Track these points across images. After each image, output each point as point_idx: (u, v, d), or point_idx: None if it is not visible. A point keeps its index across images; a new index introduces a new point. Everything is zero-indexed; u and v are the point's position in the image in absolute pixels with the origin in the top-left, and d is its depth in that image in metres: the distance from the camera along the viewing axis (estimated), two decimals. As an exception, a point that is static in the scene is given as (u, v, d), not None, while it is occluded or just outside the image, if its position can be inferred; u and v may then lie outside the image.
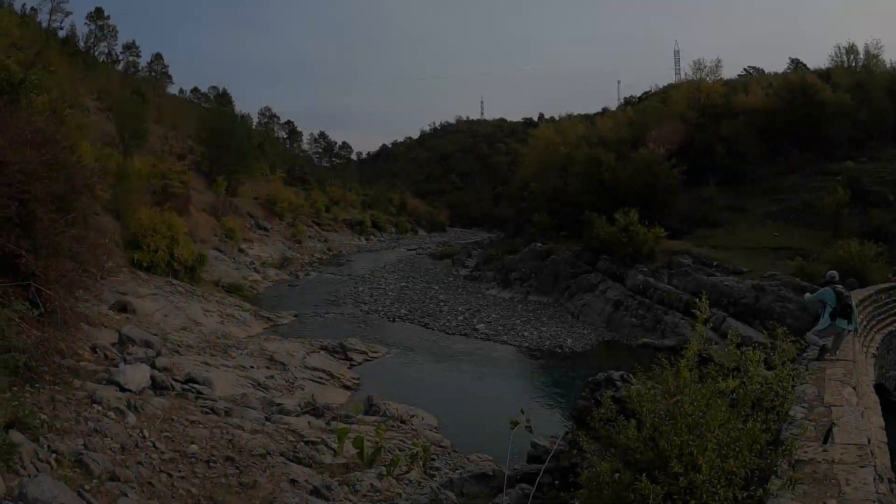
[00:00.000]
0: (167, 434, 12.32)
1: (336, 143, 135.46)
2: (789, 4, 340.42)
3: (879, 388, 26.47)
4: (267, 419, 16.12)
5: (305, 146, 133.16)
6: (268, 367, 25.51)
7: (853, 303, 14.83)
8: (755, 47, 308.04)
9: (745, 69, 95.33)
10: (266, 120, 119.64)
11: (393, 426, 19.55)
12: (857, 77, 69.05)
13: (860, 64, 74.00)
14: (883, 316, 30.83)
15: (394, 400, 23.09)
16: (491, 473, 13.75)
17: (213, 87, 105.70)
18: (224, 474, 11.30)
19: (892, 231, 44.70)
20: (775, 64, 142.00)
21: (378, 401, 21.90)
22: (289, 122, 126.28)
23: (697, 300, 10.11)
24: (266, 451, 12.93)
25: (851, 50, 75.01)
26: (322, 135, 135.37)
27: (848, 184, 49.54)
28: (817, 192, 51.57)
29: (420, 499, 12.38)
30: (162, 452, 11.35)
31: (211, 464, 11.55)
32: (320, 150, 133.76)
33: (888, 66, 73.56)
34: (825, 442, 8.36)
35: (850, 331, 15.17)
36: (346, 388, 26.28)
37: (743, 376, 8.83)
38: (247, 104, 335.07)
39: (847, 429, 9.06)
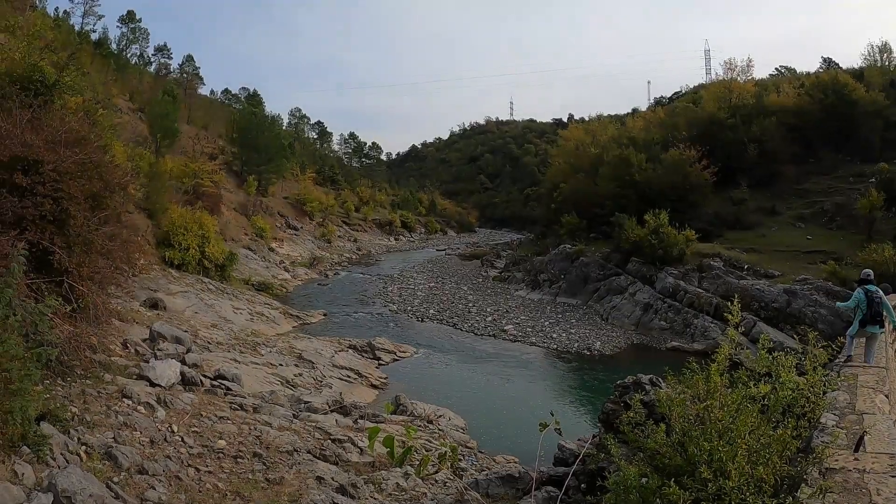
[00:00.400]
0: (195, 429, 12.41)
1: (366, 143, 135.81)
2: (821, 3, 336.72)
3: None
4: (294, 416, 16.15)
5: (335, 146, 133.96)
6: (296, 365, 25.63)
7: (886, 301, 14.24)
8: (787, 47, 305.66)
9: (776, 69, 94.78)
10: (296, 120, 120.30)
11: (420, 426, 19.49)
12: (891, 76, 68.21)
13: (894, 63, 73.13)
14: None
15: (421, 400, 23.08)
16: (517, 475, 13.70)
17: (244, 88, 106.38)
18: (251, 470, 11.34)
19: None
20: (807, 63, 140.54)
21: (405, 400, 21.86)
22: (319, 123, 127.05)
23: (728, 304, 9.98)
24: (293, 448, 12.95)
25: (885, 48, 74.14)
26: (352, 135, 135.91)
27: (882, 185, 48.14)
28: (850, 194, 50.85)
29: (445, 499, 12.35)
30: (190, 447, 11.42)
31: (238, 459, 11.60)
32: (350, 151, 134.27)
33: None
34: (856, 450, 8.12)
35: (882, 333, 14.61)
36: (374, 387, 26.35)
37: (774, 382, 8.68)
38: (277, 105, 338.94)
39: (879, 437, 8.85)
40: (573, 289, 48.18)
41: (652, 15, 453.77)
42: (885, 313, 14.06)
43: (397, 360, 31.21)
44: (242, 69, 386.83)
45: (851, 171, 56.38)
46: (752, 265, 42.08)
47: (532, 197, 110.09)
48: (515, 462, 17.17)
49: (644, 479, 7.69)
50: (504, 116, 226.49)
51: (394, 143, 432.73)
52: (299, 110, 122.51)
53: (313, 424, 15.59)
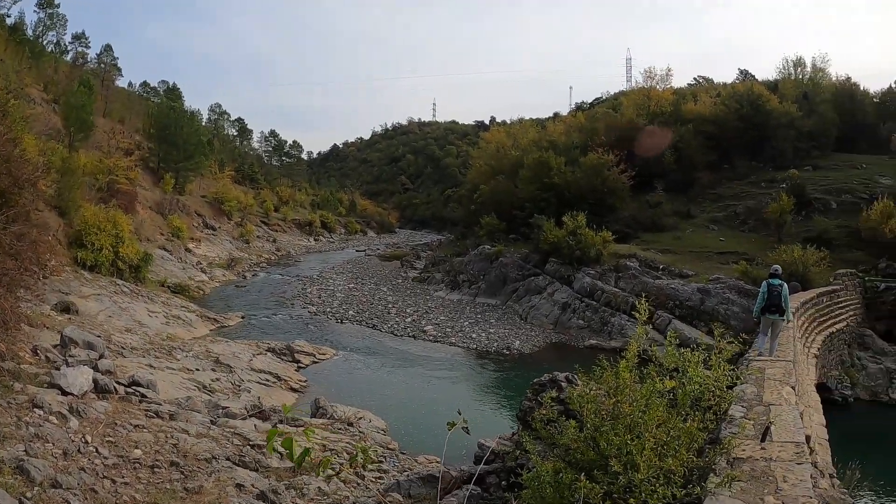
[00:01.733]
0: (110, 439, 12.07)
1: (286, 141, 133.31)
2: (741, 18, 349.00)
3: (821, 388, 27.40)
4: (212, 423, 15.86)
5: (255, 144, 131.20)
6: (213, 370, 25.14)
7: (787, 295, 15.93)
8: (706, 58, 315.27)
9: (694, 78, 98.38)
10: (216, 116, 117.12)
11: (340, 429, 19.37)
12: (803, 88, 72.60)
13: (807, 76, 77.58)
14: (824, 318, 32.07)
15: (342, 402, 22.95)
16: (438, 475, 13.74)
17: (163, 82, 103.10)
18: (169, 479, 11.11)
19: (833, 237, 46.35)
20: (725, 75, 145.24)
21: (325, 403, 21.63)
22: (239, 120, 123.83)
23: (646, 303, 10.26)
24: (211, 456, 12.73)
25: (799, 63, 79.23)
26: (273, 133, 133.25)
27: (792, 191, 51.57)
28: (762, 199, 53.58)
29: (367, 502, 12.35)
30: (105, 458, 11.11)
31: (155, 469, 11.34)
32: (270, 149, 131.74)
33: (834, 78, 77.36)
34: (763, 440, 8.54)
35: (783, 321, 16.12)
36: (294, 390, 26.04)
37: (681, 377, 8.96)
38: (197, 100, 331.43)
39: (785, 427, 9.29)
40: (492, 289, 48.67)
41: (576, 22, 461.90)
42: (784, 305, 15.72)
43: (317, 362, 30.94)
44: (162, 61, 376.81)
45: (764, 178, 59.57)
46: (668, 265, 43.43)
47: (452, 198, 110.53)
48: (437, 462, 17.24)
49: (560, 475, 7.76)
50: (427, 118, 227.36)
51: (315, 143, 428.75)
52: (219, 106, 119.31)
53: (232, 430, 15.37)
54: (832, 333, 31.44)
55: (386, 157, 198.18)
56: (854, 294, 39.16)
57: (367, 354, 33.65)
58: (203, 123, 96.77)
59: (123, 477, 10.68)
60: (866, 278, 41.21)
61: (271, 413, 19.00)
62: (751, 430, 8.91)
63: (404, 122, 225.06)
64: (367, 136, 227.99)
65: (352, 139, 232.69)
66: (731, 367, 10.31)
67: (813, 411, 17.72)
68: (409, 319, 42.00)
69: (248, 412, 18.59)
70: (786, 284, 16.12)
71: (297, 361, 30.03)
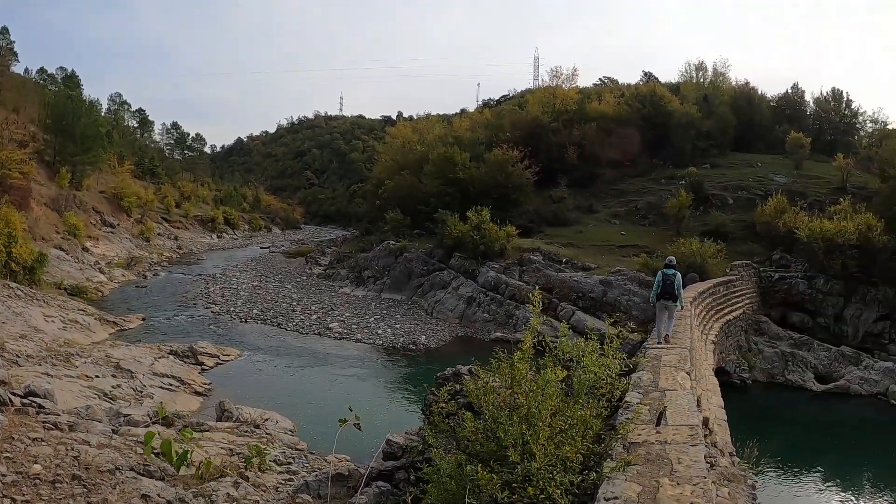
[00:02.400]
0: (7, 454, 11.63)
1: (189, 134, 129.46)
2: (647, 22, 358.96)
3: (721, 372, 28.87)
4: (114, 432, 15.44)
5: (157, 137, 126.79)
6: (114, 376, 24.27)
7: (679, 284, 16.87)
8: (612, 61, 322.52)
9: (600, 79, 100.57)
10: (116, 107, 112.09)
11: (247, 431, 19.11)
12: (703, 91, 75.86)
13: (708, 80, 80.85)
14: (721, 307, 33.46)
15: (247, 404, 22.53)
16: (347, 473, 13.78)
17: (62, 69, 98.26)
18: (71, 494, 10.79)
19: (730, 230, 48.98)
20: (630, 77, 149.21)
21: (230, 406, 21.19)
22: (140, 110, 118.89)
23: (539, 294, 10.51)
24: (115, 467, 12.38)
25: (700, 67, 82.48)
26: (175, 125, 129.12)
27: (691, 187, 54.18)
28: (662, 195, 55.90)
29: (277, 504, 12.31)
30: (3, 475, 10.73)
31: (56, 484, 10.99)
32: (172, 142, 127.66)
33: (733, 82, 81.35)
34: (658, 424, 8.76)
35: (676, 307, 17.08)
36: (198, 394, 25.44)
37: (576, 366, 9.20)
38: (96, 88, 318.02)
39: (680, 411, 9.54)
40: (398, 284, 48.84)
41: (486, 21, 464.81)
42: (677, 293, 16.70)
43: (221, 363, 30.26)
44: (61, 47, 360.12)
45: (664, 175, 61.99)
46: (571, 259, 44.40)
47: (358, 193, 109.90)
48: (347, 460, 17.25)
49: (466, 467, 7.79)
50: (334, 111, 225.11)
51: (219, 135, 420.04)
52: (120, 96, 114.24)
53: (135, 439, 14.99)
54: (729, 321, 32.81)
55: (291, 152, 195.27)
56: (750, 284, 40.97)
57: (273, 354, 33.19)
58: (102, 114, 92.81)
59: (23, 495, 10.34)
60: (761, 269, 43.20)
61: (175, 419, 18.65)
62: (647, 415, 9.11)
63: (311, 116, 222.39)
64: (272, 130, 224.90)
65: (257, 132, 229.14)
66: (624, 356, 10.75)
67: (711, 394, 18.46)
68: (314, 317, 41.58)
69: (151, 419, 18.19)
70: (679, 274, 17.09)
71: (201, 364, 29.28)
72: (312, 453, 18.63)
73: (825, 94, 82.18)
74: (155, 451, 14.22)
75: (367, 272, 52.54)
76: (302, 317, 41.54)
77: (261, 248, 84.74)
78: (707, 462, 12.17)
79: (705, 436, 13.64)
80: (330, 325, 39.34)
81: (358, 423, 10.46)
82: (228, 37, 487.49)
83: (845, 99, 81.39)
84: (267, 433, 19.70)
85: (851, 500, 22.36)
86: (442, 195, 54.92)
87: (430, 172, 58.63)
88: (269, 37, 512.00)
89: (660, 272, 17.12)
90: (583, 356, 9.40)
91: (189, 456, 13.94)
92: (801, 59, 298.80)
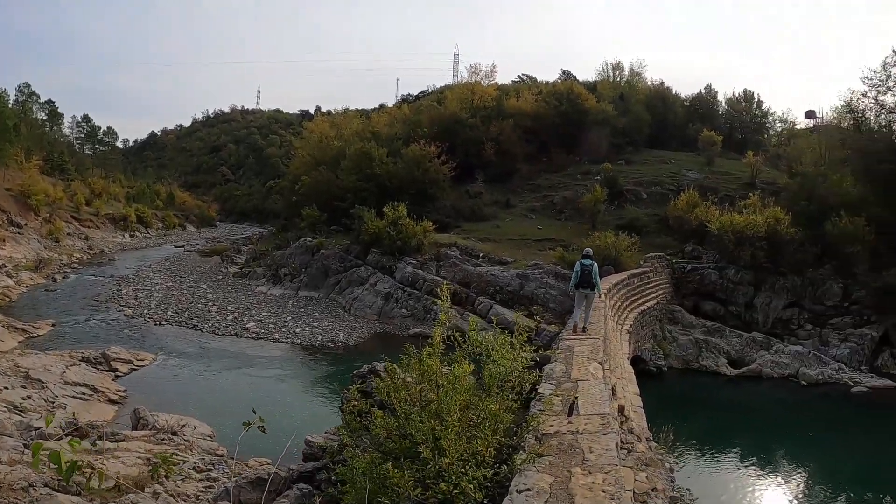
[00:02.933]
0: None
1: (100, 127, 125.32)
2: (567, 22, 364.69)
3: (637, 360, 29.51)
4: (26, 446, 14.57)
5: (67, 130, 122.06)
6: (24, 387, 22.88)
7: (596, 273, 17.61)
8: (532, 58, 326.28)
9: (518, 76, 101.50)
10: (24, 98, 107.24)
11: (164, 439, 18.33)
12: (620, 90, 78.31)
13: (624, 79, 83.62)
14: (636, 297, 34.26)
15: (164, 410, 21.64)
16: (268, 477, 13.27)
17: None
18: (-17, 516, 10.00)
19: (644, 224, 50.38)
20: (549, 74, 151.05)
21: (146, 413, 20.29)
22: (49, 102, 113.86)
23: (447, 289, 10.26)
24: (28, 483, 11.55)
25: (617, 66, 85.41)
26: (86, 118, 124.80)
27: (606, 183, 55.55)
28: (578, 190, 56.93)
29: (197, 513, 11.74)
30: None
31: (-33, 505, 10.20)
32: (83, 136, 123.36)
33: (649, 82, 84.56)
34: (570, 414, 8.71)
35: (594, 294, 17.88)
36: (113, 402, 24.24)
37: (486, 360, 8.98)
38: (2, 79, 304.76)
39: (592, 400, 9.56)
40: (315, 282, 48.02)
41: (407, 15, 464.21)
42: (594, 281, 17.46)
43: (136, 369, 28.95)
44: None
45: (580, 170, 63.30)
46: (488, 253, 44.46)
47: (275, 190, 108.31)
48: (268, 464, 16.71)
49: (379, 466, 7.54)
50: (250, 105, 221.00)
51: (132, 129, 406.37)
52: (28, 86, 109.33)
53: (48, 453, 14.08)
54: (644, 311, 33.49)
55: (207, 146, 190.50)
56: (663, 275, 41.96)
57: (189, 357, 32.00)
58: (9, 105, 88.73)
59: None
60: (674, 261, 44.24)
61: (90, 429, 17.73)
62: (559, 405, 9.05)
63: (227, 110, 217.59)
64: (187, 124, 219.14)
65: (171, 126, 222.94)
66: (535, 348, 10.51)
67: (627, 382, 18.66)
68: (230, 317, 40.43)
69: (63, 431, 17.24)
70: (596, 264, 17.85)
71: (115, 370, 27.88)
72: (233, 458, 17.92)
73: (737, 95, 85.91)
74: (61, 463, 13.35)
75: (284, 270, 51.49)
76: (218, 317, 40.31)
77: (175, 247, 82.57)
78: (624, 448, 12.17)
79: (622, 423, 13.63)
80: (247, 326, 38.32)
81: (262, 426, 9.92)
82: (143, 26, 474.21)
83: (756, 100, 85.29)
84: (185, 440, 18.96)
85: (766, 477, 23.19)
86: (359, 191, 54.39)
87: (347, 168, 58.04)
88: (185, 27, 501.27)
89: (578, 263, 17.77)
90: (492, 350, 9.28)
91: (78, 468, 13.10)
92: (715, 60, 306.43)
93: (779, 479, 23.29)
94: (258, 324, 38.87)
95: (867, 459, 25.49)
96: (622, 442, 12.93)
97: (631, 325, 28.88)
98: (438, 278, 41.49)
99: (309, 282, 48.31)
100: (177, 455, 16.53)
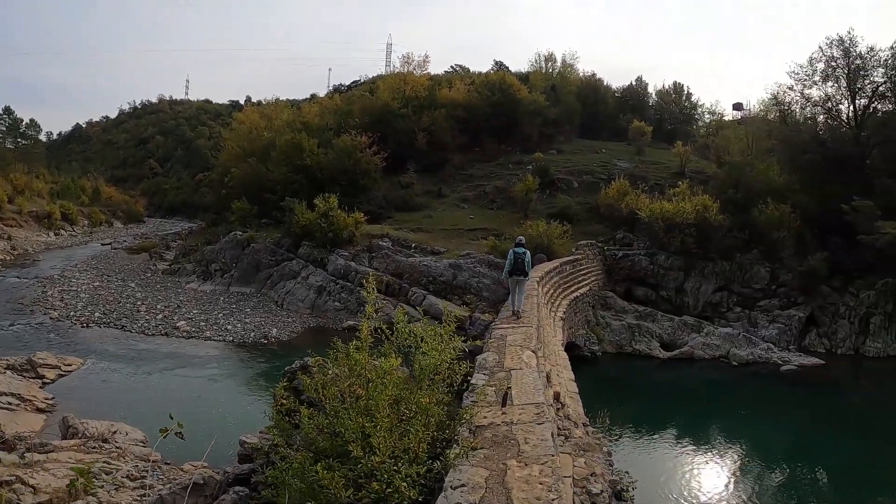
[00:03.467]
0: None
1: (22, 120, 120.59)
2: (499, 14, 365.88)
3: (571, 346, 29.92)
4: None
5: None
6: (-54, 401, 21.94)
7: (529, 260, 18.27)
8: (466, 50, 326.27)
9: (451, 66, 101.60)
10: None
11: (95, 448, 17.62)
12: (552, 81, 79.61)
13: (556, 70, 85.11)
14: (568, 284, 34.59)
15: (94, 417, 20.87)
16: (203, 481, 12.88)
17: None
18: None
19: (575, 213, 50.98)
20: (482, 65, 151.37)
21: (75, 421, 19.50)
22: None
23: (374, 280, 10.08)
24: None
25: (550, 58, 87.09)
26: (7, 110, 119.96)
27: (537, 172, 56.00)
28: (510, 179, 57.30)
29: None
30: None
31: None
32: (4, 129, 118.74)
33: (581, 73, 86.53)
34: (504, 405, 8.55)
35: (526, 280, 18.57)
36: (41, 411, 23.11)
37: (416, 353, 8.84)
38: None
39: (525, 390, 9.37)
40: (246, 277, 47.20)
41: (340, 4, 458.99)
42: (526, 268, 18.05)
43: (64, 375, 27.69)
44: None
45: (511, 160, 63.78)
46: (420, 243, 44.38)
47: (204, 183, 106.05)
48: (204, 467, 16.20)
49: (310, 467, 7.36)
50: (179, 95, 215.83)
51: (56, 122, 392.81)
52: None
53: None
54: (577, 297, 33.75)
55: (134, 139, 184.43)
56: (595, 262, 42.68)
57: (118, 360, 30.82)
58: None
59: None
60: (606, 248, 45.04)
61: (17, 441, 16.96)
62: (492, 396, 8.97)
63: (154, 100, 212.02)
64: (113, 115, 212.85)
65: (96, 118, 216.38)
66: (465, 339, 10.35)
67: (562, 369, 18.71)
68: (160, 316, 39.25)
69: None
70: (528, 252, 18.49)
71: (42, 377, 26.59)
72: (167, 463, 17.50)
73: (667, 87, 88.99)
74: None
75: (215, 266, 50.44)
76: (147, 317, 39.09)
77: (102, 244, 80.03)
78: (561, 435, 12.08)
79: (558, 410, 13.55)
80: (177, 324, 37.35)
81: (181, 433, 9.49)
82: (65, 12, 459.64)
83: (685, 92, 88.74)
84: (117, 447, 18.23)
85: (702, 455, 23.93)
86: (290, 182, 53.81)
87: (277, 159, 57.38)
88: (110, 13, 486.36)
89: (511, 251, 18.37)
90: (422, 342, 9.10)
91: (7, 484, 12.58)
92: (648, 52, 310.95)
93: (714, 455, 24.03)
94: (189, 322, 37.97)
95: (796, 432, 27.16)
96: (559, 429, 12.87)
97: (564, 312, 29.00)
98: (370, 270, 41.19)
99: (240, 277, 47.45)
100: (108, 464, 15.95)
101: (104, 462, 16.01)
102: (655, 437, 25.37)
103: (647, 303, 41.26)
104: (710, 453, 24.17)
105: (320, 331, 37.80)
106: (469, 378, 9.94)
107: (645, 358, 36.09)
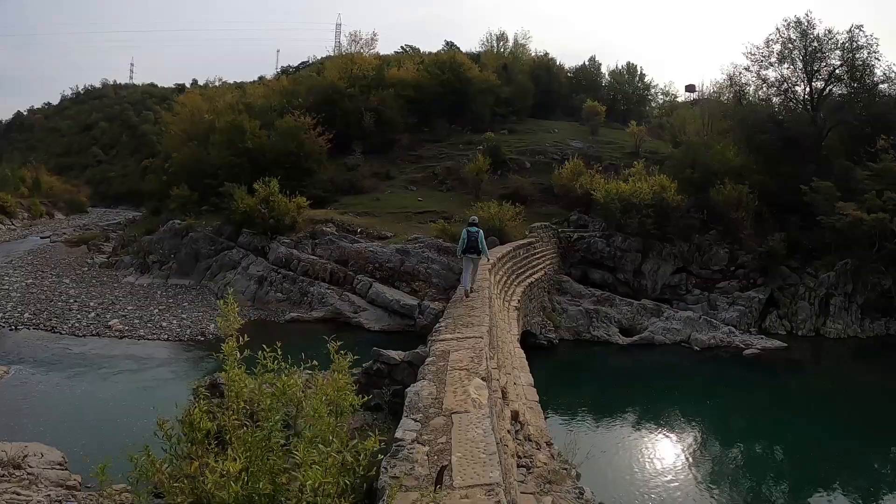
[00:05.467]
0: None
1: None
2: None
3: (527, 335, 29.12)
4: None
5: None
6: None
7: (482, 239, 18.82)
8: (417, 31, 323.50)
9: (401, 47, 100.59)
10: None
11: (4, 476, 15.35)
12: (504, 60, 79.24)
13: (509, 50, 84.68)
14: (522, 270, 33.61)
15: (10, 436, 18.27)
16: None
17: None
18: None
19: (528, 194, 50.02)
20: (433, 46, 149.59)
21: None
22: None
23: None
24: None
25: (502, 37, 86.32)
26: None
27: (488, 152, 54.39)
28: (460, 160, 55.84)
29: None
30: None
31: None
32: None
33: (533, 53, 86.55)
34: (439, 483, 5.73)
35: (482, 259, 19.61)
36: None
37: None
38: None
39: (473, 456, 6.40)
40: (185, 268, 44.69)
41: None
42: (480, 247, 18.71)
43: (-17, 387, 25.15)
44: None
45: (462, 140, 62.30)
46: (366, 228, 42.79)
47: (149, 169, 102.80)
48: (128, 491, 14.20)
49: None
50: (123, 79, 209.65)
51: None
52: None
53: None
54: (531, 283, 32.83)
55: (78, 125, 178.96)
56: (549, 245, 41.89)
57: (44, 366, 28.14)
58: None
59: None
60: (560, 230, 44.46)
61: None
62: (422, 467, 6.19)
63: (98, 85, 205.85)
64: (56, 101, 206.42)
65: (38, 104, 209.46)
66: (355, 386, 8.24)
67: (519, 372, 17.44)
68: (92, 315, 36.59)
69: None
70: (481, 231, 19.11)
71: None
72: (88, 487, 15.27)
73: (620, 67, 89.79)
74: None
75: (153, 257, 47.77)
76: (79, 316, 36.38)
77: (41, 237, 76.21)
78: (522, 466, 10.10)
79: (517, 431, 11.62)
80: (109, 323, 34.80)
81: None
82: None
83: (639, 73, 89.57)
84: (29, 473, 15.92)
85: (660, 441, 23.65)
86: (231, 167, 51.22)
87: (218, 142, 54.86)
88: None
89: (464, 230, 18.98)
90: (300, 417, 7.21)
91: None
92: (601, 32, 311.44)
93: (675, 443, 23.53)
94: (122, 320, 35.48)
95: (759, 416, 26.84)
96: (519, 456, 10.96)
97: (519, 301, 27.87)
98: (314, 257, 39.62)
99: (178, 268, 44.94)
100: (17, 494, 13.83)
101: (13, 493, 13.85)
102: (615, 425, 25.05)
103: (604, 286, 40.50)
104: (669, 441, 23.72)
105: (262, 324, 36.03)
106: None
107: (604, 344, 35.20)
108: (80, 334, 33.58)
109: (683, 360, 33.69)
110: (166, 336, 33.40)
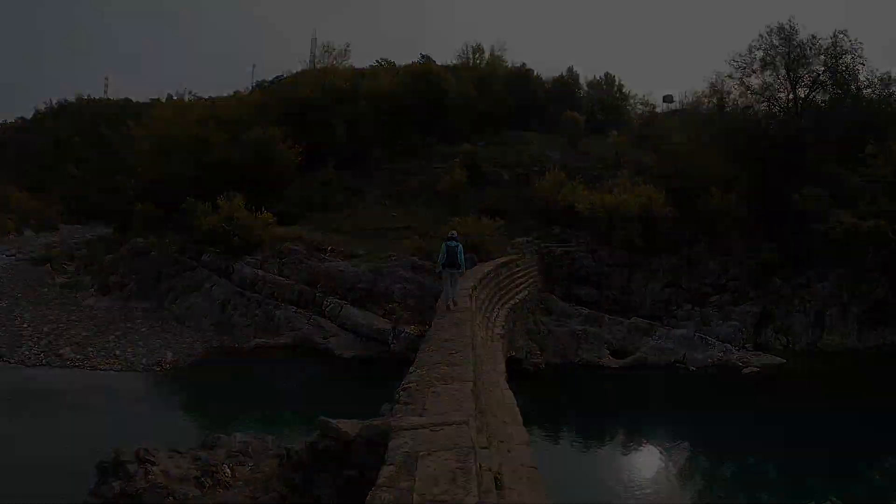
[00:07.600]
0: None
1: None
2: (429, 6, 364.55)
3: (512, 361, 27.15)
4: None
5: None
6: None
7: (461, 252, 19.45)
8: (392, 44, 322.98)
9: (377, 60, 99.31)
10: None
11: None
12: (480, 72, 78.58)
13: (485, 61, 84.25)
14: (504, 292, 32.07)
15: None
16: None
17: None
18: None
19: (507, 207, 47.73)
20: (408, 59, 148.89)
21: None
22: None
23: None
24: None
25: (478, 49, 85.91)
26: None
27: (466, 165, 53.29)
28: (436, 173, 54.13)
29: None
30: None
31: None
32: None
33: (509, 65, 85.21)
34: None
35: (460, 273, 20.16)
36: None
37: None
38: None
39: None
40: (146, 290, 42.14)
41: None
42: (460, 261, 19.39)
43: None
44: None
45: (438, 153, 60.21)
46: (337, 246, 40.85)
47: (118, 185, 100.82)
48: None
49: None
50: (98, 94, 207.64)
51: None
52: None
53: None
54: (515, 305, 31.17)
55: (51, 141, 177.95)
56: (532, 261, 40.24)
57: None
58: None
59: None
60: (542, 244, 42.94)
61: None
62: None
63: (73, 100, 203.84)
64: (29, 116, 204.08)
65: (12, 119, 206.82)
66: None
67: (510, 426, 13.95)
68: (44, 341, 33.81)
69: None
70: (461, 245, 19.88)
71: None
72: None
73: (598, 78, 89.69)
74: None
75: (114, 277, 45.35)
76: (30, 343, 33.71)
77: (7, 255, 73.77)
78: None
79: None
80: (60, 351, 32.15)
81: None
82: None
83: (617, 83, 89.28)
84: None
85: (661, 474, 21.48)
86: (197, 182, 48.87)
87: (183, 157, 52.95)
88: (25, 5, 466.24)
89: (444, 244, 19.67)
90: None
91: None
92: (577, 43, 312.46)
93: (672, 474, 21.51)
94: (75, 347, 32.81)
95: (762, 439, 24.21)
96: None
97: (503, 326, 26.26)
98: (280, 278, 37.33)
99: (139, 290, 42.39)
100: None
101: None
102: (608, 459, 23.17)
103: (590, 304, 38.46)
104: (672, 473, 21.50)
105: (225, 351, 33.74)
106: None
107: (594, 368, 32.85)
108: (30, 364, 31.00)
109: (680, 382, 31.75)
110: (119, 366, 30.77)
